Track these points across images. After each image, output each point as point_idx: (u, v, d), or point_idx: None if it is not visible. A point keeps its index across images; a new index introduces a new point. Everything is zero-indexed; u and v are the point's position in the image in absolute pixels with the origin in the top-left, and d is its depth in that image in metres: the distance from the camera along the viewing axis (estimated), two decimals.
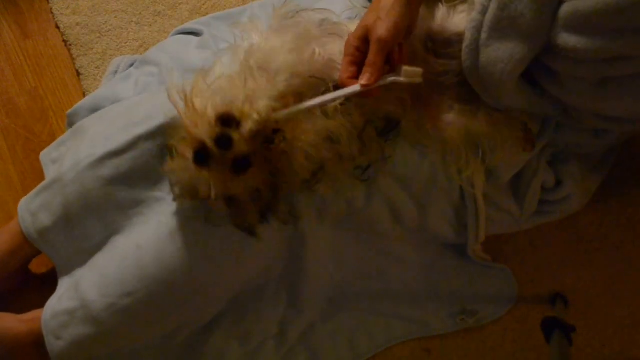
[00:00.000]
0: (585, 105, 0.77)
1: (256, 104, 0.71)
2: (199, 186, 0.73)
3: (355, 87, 0.73)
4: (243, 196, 0.76)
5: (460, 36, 0.80)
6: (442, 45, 0.82)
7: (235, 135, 0.69)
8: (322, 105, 0.75)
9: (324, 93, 0.77)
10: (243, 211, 0.78)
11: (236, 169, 0.71)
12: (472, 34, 0.75)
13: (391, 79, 0.74)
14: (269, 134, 0.73)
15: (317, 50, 0.80)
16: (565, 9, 0.66)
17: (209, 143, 0.69)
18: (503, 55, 0.72)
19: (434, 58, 0.83)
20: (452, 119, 0.83)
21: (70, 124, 1.08)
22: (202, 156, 0.70)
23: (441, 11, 0.83)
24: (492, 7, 0.71)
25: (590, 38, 0.64)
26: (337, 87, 0.78)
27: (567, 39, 0.66)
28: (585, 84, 0.72)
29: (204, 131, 0.69)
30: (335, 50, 0.81)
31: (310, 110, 0.75)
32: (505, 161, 0.87)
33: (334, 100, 0.75)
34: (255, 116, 0.70)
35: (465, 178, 0.87)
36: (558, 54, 0.70)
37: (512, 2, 0.70)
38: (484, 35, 0.73)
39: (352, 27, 0.79)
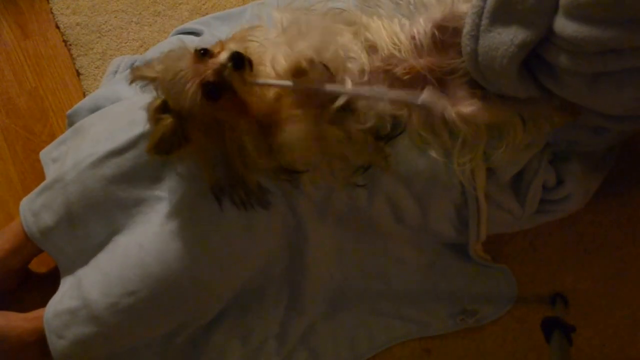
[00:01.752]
0: (582, 101, 0.77)
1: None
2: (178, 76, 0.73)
3: None
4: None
5: None
6: (451, 35, 0.81)
7: (247, 69, 0.72)
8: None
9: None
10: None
11: (209, 92, 0.72)
12: (473, 19, 0.74)
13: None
14: None
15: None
16: None
17: (226, 53, 0.72)
18: (504, 40, 0.71)
19: (442, 53, 0.82)
20: (478, 104, 0.81)
21: (71, 124, 1.08)
22: (205, 52, 0.73)
23: None
24: None
25: (588, 27, 0.64)
26: None
27: (566, 27, 0.66)
28: (580, 79, 0.71)
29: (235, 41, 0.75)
30: (345, 41, 0.81)
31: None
32: (508, 159, 0.87)
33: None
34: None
35: (467, 176, 0.87)
36: (555, 45, 0.70)
37: None
38: (484, 21, 0.73)
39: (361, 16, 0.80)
